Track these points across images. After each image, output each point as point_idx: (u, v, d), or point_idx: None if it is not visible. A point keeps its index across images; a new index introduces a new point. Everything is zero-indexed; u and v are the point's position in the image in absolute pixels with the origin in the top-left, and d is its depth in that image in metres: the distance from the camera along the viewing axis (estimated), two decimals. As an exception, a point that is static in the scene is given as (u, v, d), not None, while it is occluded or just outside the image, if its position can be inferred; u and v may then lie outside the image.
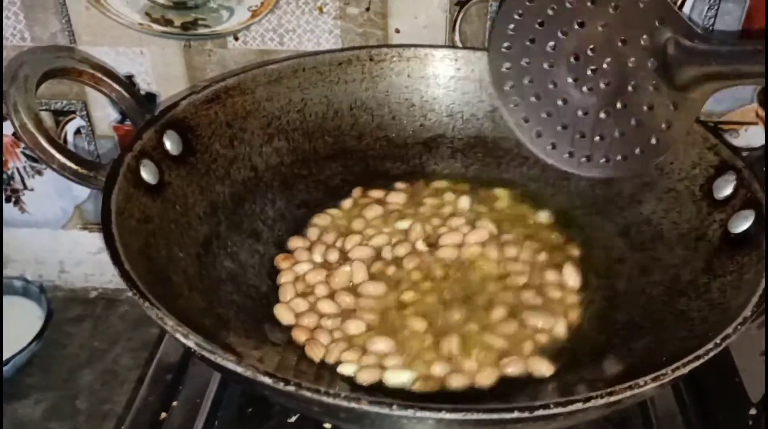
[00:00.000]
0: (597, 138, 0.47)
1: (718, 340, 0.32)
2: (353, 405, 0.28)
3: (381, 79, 0.51)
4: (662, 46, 0.43)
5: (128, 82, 0.49)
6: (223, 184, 0.46)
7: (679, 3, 0.51)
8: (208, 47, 0.56)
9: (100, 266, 0.68)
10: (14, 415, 0.57)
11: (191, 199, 0.44)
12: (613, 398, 0.29)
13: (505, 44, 0.48)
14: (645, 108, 0.45)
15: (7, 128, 0.61)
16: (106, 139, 0.61)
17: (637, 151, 0.46)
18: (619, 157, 0.47)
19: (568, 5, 0.45)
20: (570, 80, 0.47)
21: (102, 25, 0.55)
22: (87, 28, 0.55)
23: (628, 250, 0.45)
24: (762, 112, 0.56)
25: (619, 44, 0.45)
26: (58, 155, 0.41)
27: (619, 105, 0.46)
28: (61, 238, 0.67)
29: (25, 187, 0.64)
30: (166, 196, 0.43)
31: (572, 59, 0.47)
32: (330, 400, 0.29)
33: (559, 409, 0.28)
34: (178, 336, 0.32)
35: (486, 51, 0.51)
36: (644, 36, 0.44)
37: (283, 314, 0.43)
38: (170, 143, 0.44)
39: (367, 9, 0.53)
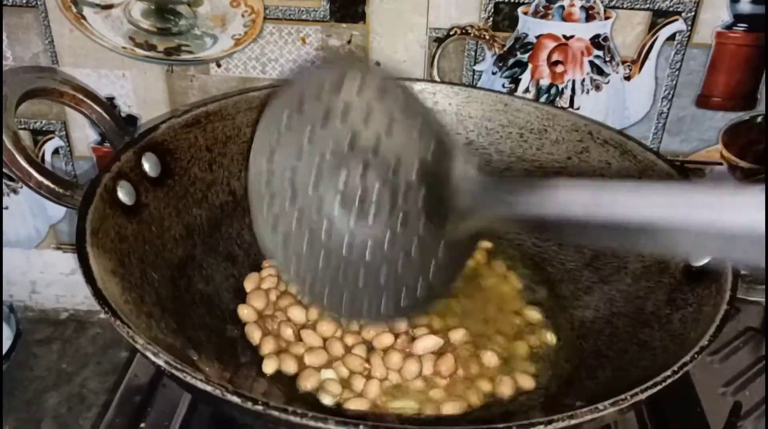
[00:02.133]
0: (361, 278, 0.37)
1: (675, 368, 0.32)
2: (320, 425, 0.29)
3: (360, 109, 0.52)
4: (434, 175, 0.36)
5: (109, 104, 0.50)
6: (200, 207, 0.47)
7: (646, 49, 0.53)
8: (190, 73, 0.57)
9: (72, 287, 0.67)
10: (-25, 438, 0.56)
11: (167, 221, 0.44)
12: (573, 421, 0.29)
13: (268, 150, 0.38)
14: (413, 246, 0.37)
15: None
16: (84, 160, 0.61)
17: (405, 301, 0.37)
18: (388, 304, 0.37)
19: (339, 114, 0.37)
20: (337, 203, 0.37)
21: (85, 47, 0.56)
22: (70, 49, 0.56)
23: (595, 281, 0.46)
24: (726, 153, 0.58)
25: (392, 166, 0.37)
26: (35, 174, 0.41)
27: (387, 242, 0.37)
28: (34, 259, 0.66)
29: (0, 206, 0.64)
30: (142, 217, 0.43)
31: (342, 177, 0.37)
32: (297, 419, 0.29)
33: (524, 433, 0.29)
34: (148, 354, 0.32)
35: (462, 86, 0.52)
36: (418, 161, 0.37)
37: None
38: (148, 165, 0.44)
39: (349, 42, 0.55)
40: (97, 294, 0.34)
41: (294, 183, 0.37)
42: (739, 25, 0.52)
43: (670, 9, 0.52)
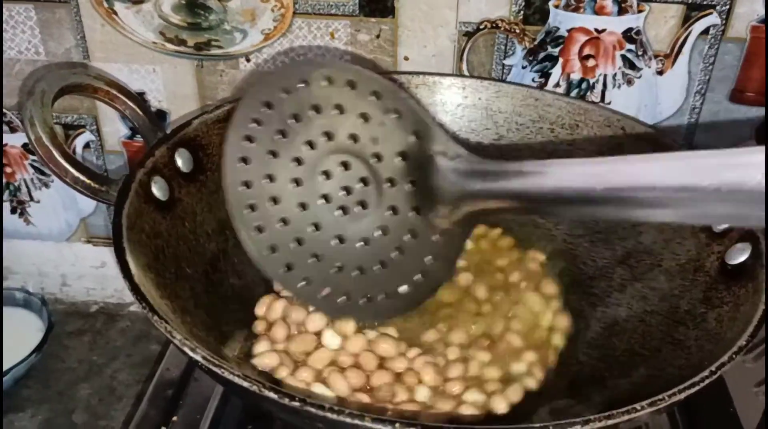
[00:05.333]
0: (355, 273, 0.39)
1: (713, 368, 0.32)
2: (357, 422, 0.29)
3: (390, 104, 0.52)
4: (418, 164, 0.36)
5: (141, 100, 0.50)
6: (231, 202, 0.47)
7: (679, 43, 0.53)
8: (220, 68, 0.57)
9: (102, 280, 0.68)
10: (10, 428, 0.57)
11: (200, 216, 0.45)
12: (610, 421, 0.29)
13: (240, 156, 0.40)
14: (406, 238, 0.38)
15: (15, 140, 0.62)
16: (115, 154, 0.62)
17: (403, 288, 0.39)
18: (382, 296, 0.39)
19: (310, 113, 0.38)
20: (321, 202, 0.39)
21: (116, 42, 0.56)
22: (101, 44, 0.57)
23: (628, 278, 0.45)
24: (760, 149, 0.57)
25: (372, 160, 0.38)
26: (71, 169, 0.42)
27: (377, 233, 0.38)
28: (65, 251, 0.67)
29: (32, 199, 0.65)
30: (175, 212, 0.43)
31: (322, 176, 0.39)
32: (334, 416, 0.29)
33: (560, 433, 0.29)
34: (186, 350, 0.32)
35: (492, 81, 0.52)
36: (398, 152, 0.37)
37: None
38: (181, 161, 0.44)
39: (377, 36, 0.55)
40: (135, 290, 0.35)
41: (273, 186, 0.39)
42: (775, 18, 0.51)
43: (704, 2, 0.51)
